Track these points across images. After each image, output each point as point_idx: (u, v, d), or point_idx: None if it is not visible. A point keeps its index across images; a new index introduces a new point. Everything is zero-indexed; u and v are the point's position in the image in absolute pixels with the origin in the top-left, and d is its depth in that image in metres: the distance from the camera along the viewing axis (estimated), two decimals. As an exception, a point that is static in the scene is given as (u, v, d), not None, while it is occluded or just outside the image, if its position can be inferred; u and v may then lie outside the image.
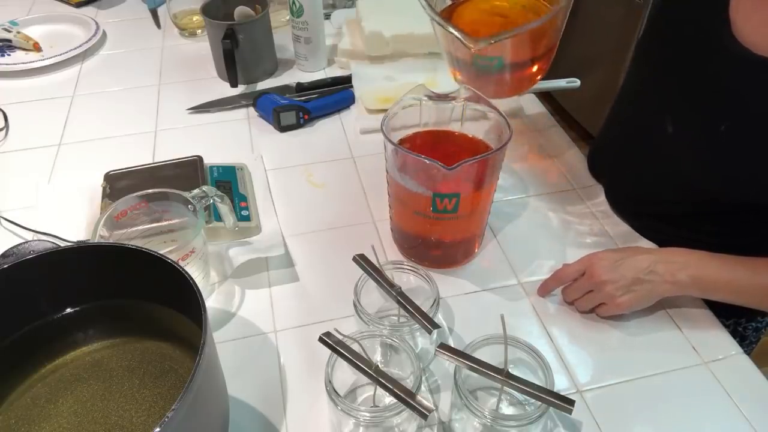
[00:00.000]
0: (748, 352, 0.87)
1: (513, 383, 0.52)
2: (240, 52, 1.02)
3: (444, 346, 0.55)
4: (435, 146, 0.75)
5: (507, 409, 0.60)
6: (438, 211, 0.67)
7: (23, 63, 1.12)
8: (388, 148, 0.67)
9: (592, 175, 0.89)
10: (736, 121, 0.65)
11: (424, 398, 0.50)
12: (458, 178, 0.67)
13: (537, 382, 0.53)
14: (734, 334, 0.86)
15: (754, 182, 0.66)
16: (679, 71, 0.72)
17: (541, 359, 0.56)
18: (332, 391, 0.53)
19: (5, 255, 0.70)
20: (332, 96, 1.02)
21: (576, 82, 1.05)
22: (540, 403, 0.52)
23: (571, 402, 0.51)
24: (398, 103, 0.71)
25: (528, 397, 0.56)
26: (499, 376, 0.52)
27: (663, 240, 0.76)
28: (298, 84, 1.06)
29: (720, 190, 0.70)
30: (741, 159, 0.66)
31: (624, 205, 0.82)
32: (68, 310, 0.57)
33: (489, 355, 0.55)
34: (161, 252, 0.52)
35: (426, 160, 0.63)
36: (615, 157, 0.86)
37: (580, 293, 0.69)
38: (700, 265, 0.65)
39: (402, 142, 0.73)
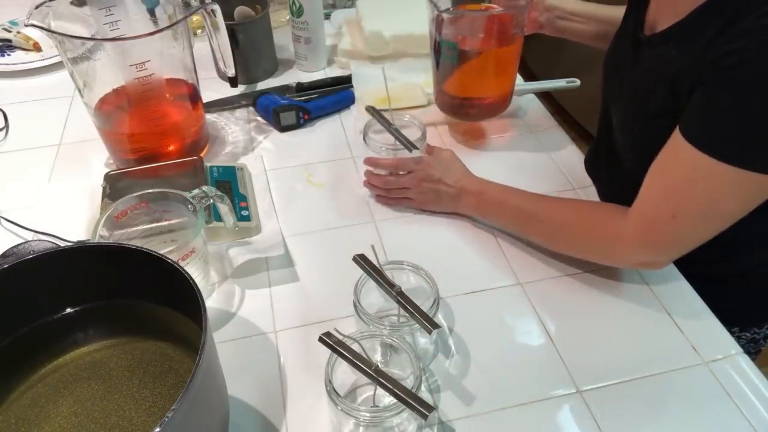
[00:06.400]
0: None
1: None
2: (240, 52, 1.02)
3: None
4: None
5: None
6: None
7: (23, 63, 1.12)
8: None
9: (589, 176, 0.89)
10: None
11: (424, 398, 0.50)
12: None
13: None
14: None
15: None
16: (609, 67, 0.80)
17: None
18: (332, 391, 0.53)
19: (5, 255, 0.70)
20: (332, 96, 1.02)
21: (576, 82, 1.05)
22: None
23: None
24: None
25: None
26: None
27: None
28: (298, 84, 1.06)
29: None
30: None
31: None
32: (68, 310, 0.57)
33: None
34: (161, 252, 0.52)
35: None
36: (599, 162, 0.86)
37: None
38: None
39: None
